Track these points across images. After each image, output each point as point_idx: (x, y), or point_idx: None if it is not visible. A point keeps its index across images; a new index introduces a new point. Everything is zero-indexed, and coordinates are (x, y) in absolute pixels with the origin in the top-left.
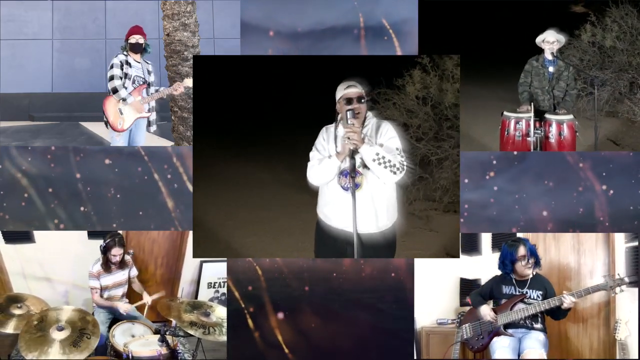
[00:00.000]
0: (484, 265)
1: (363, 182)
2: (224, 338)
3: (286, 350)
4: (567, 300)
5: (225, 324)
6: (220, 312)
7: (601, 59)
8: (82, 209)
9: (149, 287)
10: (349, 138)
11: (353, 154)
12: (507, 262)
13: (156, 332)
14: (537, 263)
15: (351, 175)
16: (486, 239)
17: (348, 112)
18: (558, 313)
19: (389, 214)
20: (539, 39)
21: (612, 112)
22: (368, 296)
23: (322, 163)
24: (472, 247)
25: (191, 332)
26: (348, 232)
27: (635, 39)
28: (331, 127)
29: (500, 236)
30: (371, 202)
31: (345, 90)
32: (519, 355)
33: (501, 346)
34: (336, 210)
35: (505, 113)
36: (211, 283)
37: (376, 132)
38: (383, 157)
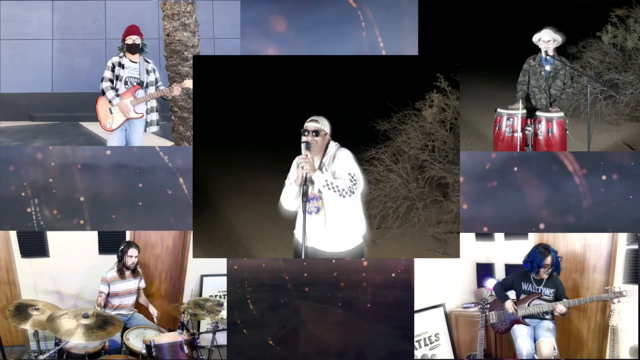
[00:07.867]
0: (496, 250)
1: (324, 205)
2: None
3: (286, 350)
4: (559, 308)
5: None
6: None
7: (623, 61)
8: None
9: (154, 300)
10: (302, 167)
11: (306, 180)
12: (535, 266)
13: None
14: (556, 269)
15: (302, 200)
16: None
17: (303, 144)
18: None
19: (352, 234)
20: (535, 38)
21: (637, 117)
22: (368, 296)
23: (285, 189)
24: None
25: (208, 318)
26: (318, 250)
27: None
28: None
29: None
30: (334, 223)
31: (306, 123)
32: (534, 341)
33: (521, 334)
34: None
35: (498, 110)
36: (212, 296)
37: (332, 159)
38: (331, 183)
